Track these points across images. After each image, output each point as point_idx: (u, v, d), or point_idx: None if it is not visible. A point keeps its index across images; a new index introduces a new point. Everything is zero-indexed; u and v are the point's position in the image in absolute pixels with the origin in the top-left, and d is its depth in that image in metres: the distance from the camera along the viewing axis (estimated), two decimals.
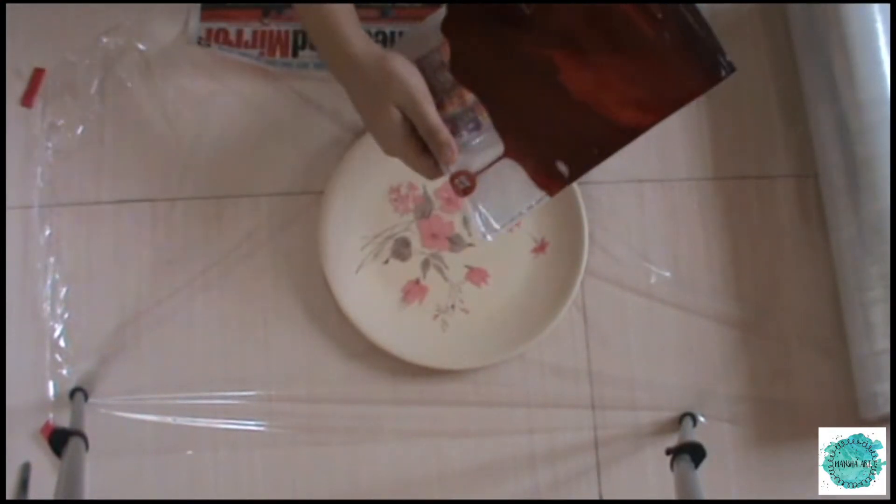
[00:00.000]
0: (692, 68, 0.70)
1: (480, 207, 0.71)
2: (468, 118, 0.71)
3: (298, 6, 0.69)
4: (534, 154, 0.71)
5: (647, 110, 0.70)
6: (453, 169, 0.71)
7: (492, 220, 0.71)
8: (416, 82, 0.67)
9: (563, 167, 0.70)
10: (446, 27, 0.71)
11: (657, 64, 0.70)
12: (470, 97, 0.71)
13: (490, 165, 0.71)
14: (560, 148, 0.71)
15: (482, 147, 0.72)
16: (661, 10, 0.69)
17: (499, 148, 0.71)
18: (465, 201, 0.71)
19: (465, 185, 0.71)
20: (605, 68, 0.71)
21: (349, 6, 0.68)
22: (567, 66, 0.71)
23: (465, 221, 0.83)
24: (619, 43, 0.70)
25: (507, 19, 0.71)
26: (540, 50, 0.71)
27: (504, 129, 0.71)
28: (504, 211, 0.71)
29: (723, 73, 0.70)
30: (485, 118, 0.71)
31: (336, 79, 0.69)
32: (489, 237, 0.71)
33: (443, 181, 0.82)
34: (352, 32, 0.67)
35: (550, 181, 0.70)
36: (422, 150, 0.69)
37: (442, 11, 0.71)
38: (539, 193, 0.70)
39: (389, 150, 0.70)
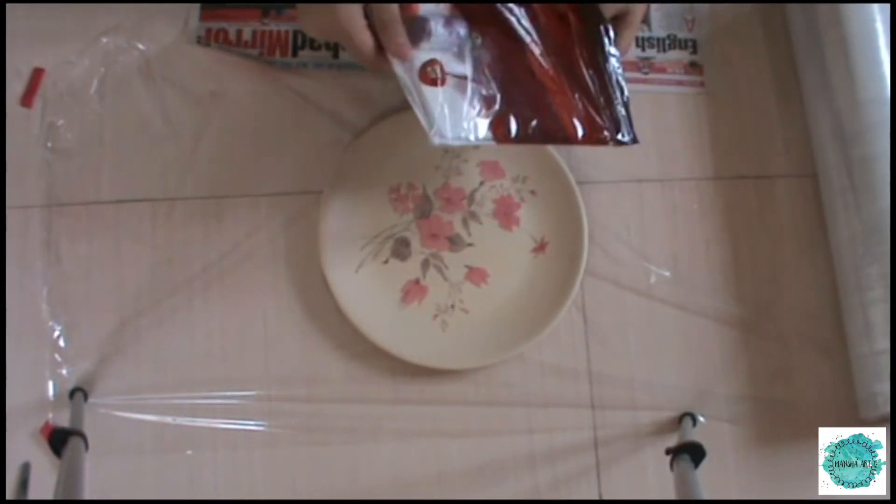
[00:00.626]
0: (602, 122, 0.73)
1: (445, 107, 0.67)
2: (444, 21, 0.69)
3: None
4: (496, 98, 0.70)
5: (572, 128, 0.72)
6: (426, 57, 0.67)
7: (447, 125, 0.67)
8: None
9: (515, 126, 0.70)
10: None
11: (583, 100, 0.73)
12: (445, 7, 0.70)
13: (460, 78, 0.69)
14: (518, 107, 0.70)
15: (457, 54, 0.69)
16: (600, 81, 0.74)
17: (468, 69, 0.69)
18: (430, 89, 0.67)
19: (436, 75, 0.67)
20: (555, 75, 0.73)
21: None
22: (532, 54, 0.72)
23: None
24: (564, 70, 0.73)
25: None
26: (514, 24, 0.72)
27: (480, 56, 0.70)
28: (459, 125, 0.67)
29: (624, 141, 0.74)
30: (462, 28, 0.70)
31: None
32: (436, 140, 0.66)
33: (443, 181, 0.83)
34: None
35: (502, 130, 0.69)
36: (368, 26, 0.65)
37: None
38: (490, 134, 0.69)
39: (328, 21, 0.64)
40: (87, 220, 0.82)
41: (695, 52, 0.89)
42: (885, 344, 0.76)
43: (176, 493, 0.78)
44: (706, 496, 0.65)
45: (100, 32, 0.85)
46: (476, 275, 0.82)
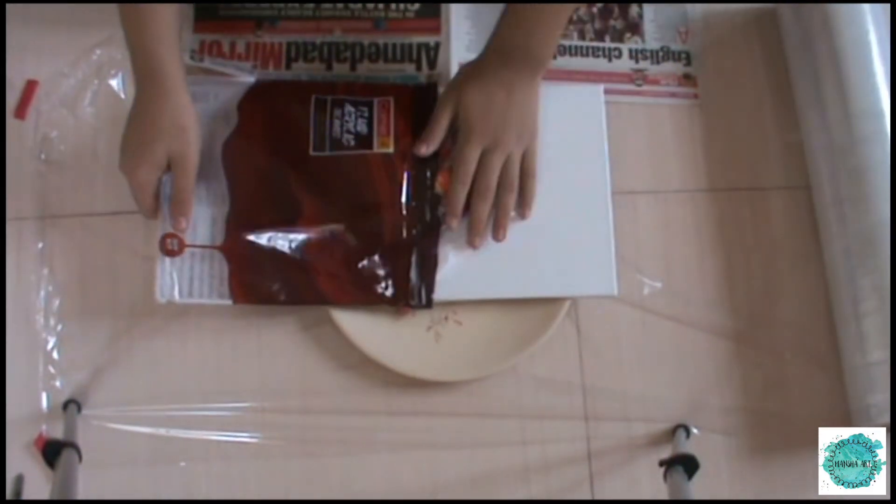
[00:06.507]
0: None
1: (174, 273, 0.76)
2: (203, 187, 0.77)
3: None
4: (247, 267, 0.76)
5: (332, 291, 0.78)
6: (167, 229, 0.75)
7: (175, 291, 0.76)
8: (195, 150, 0.74)
9: (270, 287, 0.77)
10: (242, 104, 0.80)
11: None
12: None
13: (204, 247, 0.76)
14: (272, 272, 0.76)
15: (207, 222, 0.77)
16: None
17: (219, 238, 0.77)
18: (165, 258, 0.76)
19: (173, 247, 0.76)
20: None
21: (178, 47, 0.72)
22: (310, 210, 0.78)
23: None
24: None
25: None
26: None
27: (236, 226, 0.77)
28: (191, 290, 0.76)
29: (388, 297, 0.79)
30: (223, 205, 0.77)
31: (136, 81, 0.73)
32: (159, 299, 0.76)
33: None
34: (176, 69, 0.72)
35: (245, 292, 0.76)
36: (158, 191, 0.75)
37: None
38: (228, 300, 0.76)
39: (131, 172, 0.73)
40: (81, 232, 0.82)
41: (689, 63, 0.89)
42: (879, 355, 0.76)
43: None
44: None
45: (93, 44, 0.85)
46: None
